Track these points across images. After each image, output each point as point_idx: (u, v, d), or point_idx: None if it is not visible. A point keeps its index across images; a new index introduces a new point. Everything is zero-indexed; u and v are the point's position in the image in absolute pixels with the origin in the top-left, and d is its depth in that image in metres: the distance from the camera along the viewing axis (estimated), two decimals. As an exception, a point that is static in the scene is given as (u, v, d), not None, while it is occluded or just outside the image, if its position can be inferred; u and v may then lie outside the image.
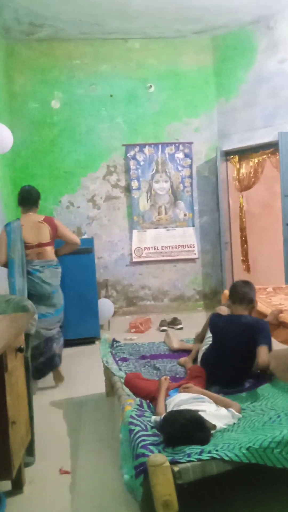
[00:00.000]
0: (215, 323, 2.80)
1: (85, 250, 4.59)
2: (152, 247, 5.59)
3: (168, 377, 2.52)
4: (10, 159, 5.26)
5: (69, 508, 1.92)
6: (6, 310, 2.51)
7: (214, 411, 2.02)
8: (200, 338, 3.10)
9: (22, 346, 2.07)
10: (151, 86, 5.59)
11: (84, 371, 3.79)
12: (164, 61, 5.62)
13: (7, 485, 2.05)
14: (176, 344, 3.32)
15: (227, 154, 5.68)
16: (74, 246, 3.75)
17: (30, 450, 2.26)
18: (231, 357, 2.55)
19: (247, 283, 2.84)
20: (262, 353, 2.41)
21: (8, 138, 3.09)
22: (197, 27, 5.33)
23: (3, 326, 2.03)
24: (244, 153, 5.63)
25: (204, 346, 2.83)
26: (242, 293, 2.76)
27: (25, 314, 2.38)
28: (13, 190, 5.34)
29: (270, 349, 2.49)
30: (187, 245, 5.61)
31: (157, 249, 5.59)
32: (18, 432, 1.95)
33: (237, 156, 5.72)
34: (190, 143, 5.61)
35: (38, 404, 2.73)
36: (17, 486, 2.05)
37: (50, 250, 3.59)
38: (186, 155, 5.59)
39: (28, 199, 3.59)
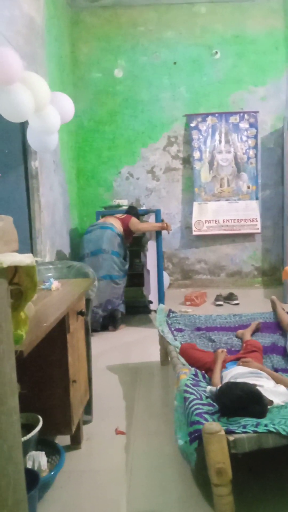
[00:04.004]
0: None
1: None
2: (213, 220, 5.47)
3: (225, 349, 2.50)
4: (73, 130, 5.33)
5: (123, 467, 2.00)
6: (68, 276, 2.60)
7: (272, 388, 1.99)
8: None
9: (83, 310, 2.14)
10: (216, 52, 5.38)
11: (139, 339, 3.87)
12: (230, 26, 5.36)
13: (66, 440, 2.16)
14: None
15: (295, 125, 5.38)
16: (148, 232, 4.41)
17: (88, 409, 2.37)
18: None
19: None
20: None
21: (69, 107, 3.11)
22: (268, -12, 5.01)
23: (65, 290, 2.10)
24: (313, 124, 5.30)
25: None
26: None
27: (86, 280, 2.45)
28: (75, 160, 5.44)
29: None
30: (250, 219, 5.43)
31: (218, 222, 5.46)
32: (78, 390, 2.04)
33: (305, 127, 5.41)
34: (256, 112, 5.37)
35: (95, 366, 2.83)
36: (76, 441, 2.16)
37: (115, 221, 4.24)
38: (251, 125, 5.37)
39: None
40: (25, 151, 3.57)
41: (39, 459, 1.77)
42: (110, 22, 5.39)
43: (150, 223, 4.42)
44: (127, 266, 4.26)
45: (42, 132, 2.87)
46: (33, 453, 1.78)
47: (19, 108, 2.46)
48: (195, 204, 5.48)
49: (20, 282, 1.07)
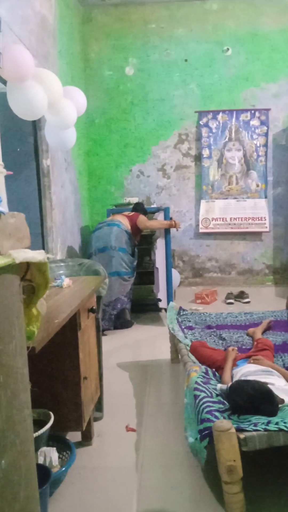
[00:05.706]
0: None
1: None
2: (220, 218, 5.45)
3: (236, 348, 2.50)
4: (84, 128, 5.34)
5: (134, 464, 2.00)
6: (79, 273, 2.61)
7: (284, 386, 1.98)
8: None
9: (94, 307, 2.15)
10: (228, 49, 5.34)
11: (149, 337, 3.87)
12: (243, 23, 5.32)
13: (77, 436, 2.18)
14: None
15: (307, 122, 5.33)
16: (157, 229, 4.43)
17: (99, 406, 2.38)
18: None
19: None
20: None
21: (82, 100, 3.12)
22: (281, -17, 4.96)
23: (77, 288, 2.11)
24: None
25: None
26: None
27: (96, 277, 2.45)
28: (85, 159, 5.45)
29: None
30: (258, 217, 5.39)
31: (226, 221, 5.44)
32: (89, 387, 2.05)
33: None
34: (267, 109, 5.32)
35: (106, 364, 2.84)
36: (86, 438, 2.17)
37: (123, 219, 4.24)
38: (262, 123, 5.33)
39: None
40: (37, 150, 3.59)
41: (51, 455, 1.79)
42: (121, 20, 5.38)
43: (158, 220, 4.42)
44: (135, 263, 4.26)
45: (60, 127, 2.88)
46: (44, 449, 1.80)
47: (32, 105, 2.47)
48: (203, 202, 5.47)
49: (32, 278, 1.08)
